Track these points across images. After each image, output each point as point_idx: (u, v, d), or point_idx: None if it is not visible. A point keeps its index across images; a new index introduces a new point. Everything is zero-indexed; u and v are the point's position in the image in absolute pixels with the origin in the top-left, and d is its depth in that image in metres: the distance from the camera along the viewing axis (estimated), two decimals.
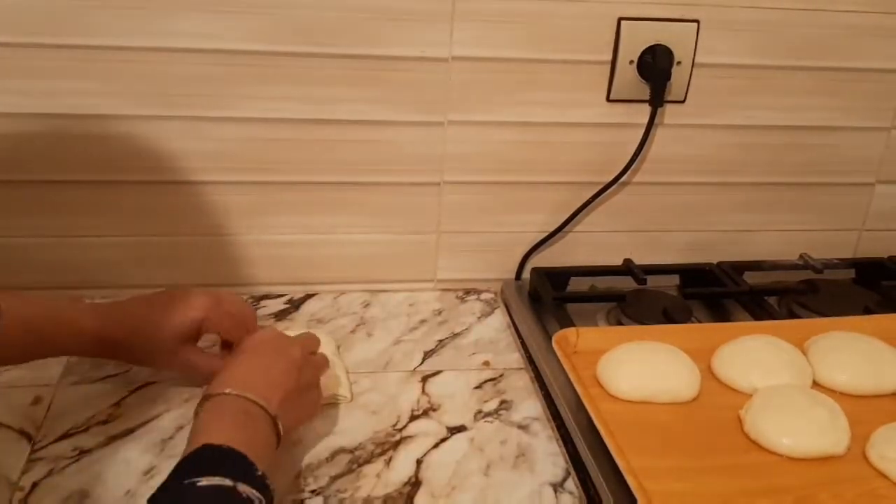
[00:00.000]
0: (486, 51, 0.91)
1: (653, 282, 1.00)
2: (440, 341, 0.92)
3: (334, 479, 0.71)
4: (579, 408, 0.77)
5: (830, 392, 0.80)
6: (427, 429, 0.78)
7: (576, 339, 0.86)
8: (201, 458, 0.57)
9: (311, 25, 0.87)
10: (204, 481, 0.54)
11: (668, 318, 0.93)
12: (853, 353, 0.84)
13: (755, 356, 0.83)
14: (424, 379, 0.85)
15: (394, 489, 0.70)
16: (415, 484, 0.71)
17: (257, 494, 0.56)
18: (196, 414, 0.64)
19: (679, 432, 0.75)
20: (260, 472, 0.57)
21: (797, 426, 0.73)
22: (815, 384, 0.82)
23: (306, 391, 0.72)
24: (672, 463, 0.70)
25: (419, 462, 0.73)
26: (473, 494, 0.70)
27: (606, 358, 0.82)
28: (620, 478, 0.67)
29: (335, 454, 0.74)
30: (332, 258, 1.00)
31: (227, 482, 0.55)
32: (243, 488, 0.55)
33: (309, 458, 0.73)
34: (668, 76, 0.94)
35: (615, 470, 0.68)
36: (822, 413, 0.74)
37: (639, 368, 0.80)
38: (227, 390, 0.64)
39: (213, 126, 0.90)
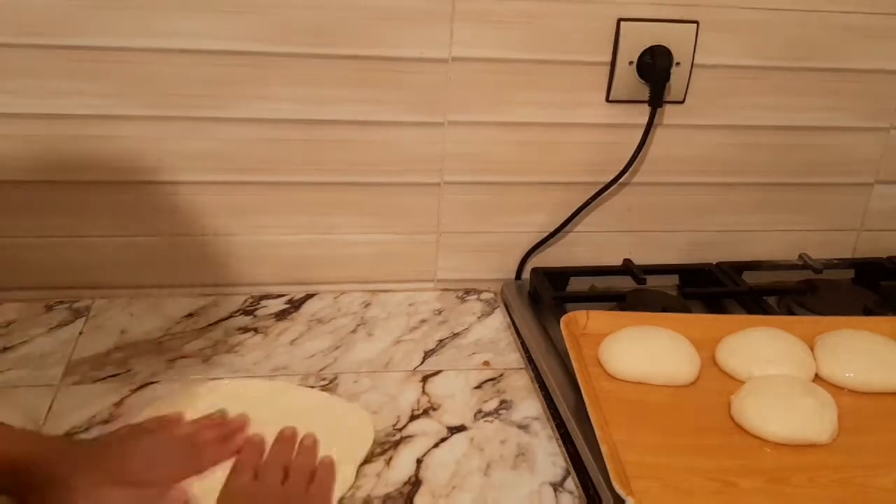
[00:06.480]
0: (486, 51, 0.91)
1: (652, 282, 1.00)
2: (440, 341, 0.92)
3: None
4: (579, 406, 0.77)
5: (834, 387, 0.80)
6: (427, 428, 0.78)
7: (585, 321, 0.87)
8: None
9: (312, 25, 0.87)
10: None
11: None
12: (860, 350, 0.84)
13: (758, 346, 0.83)
14: (424, 379, 0.85)
15: (394, 489, 0.70)
16: (415, 483, 0.71)
17: None
18: None
19: (667, 412, 0.76)
20: None
21: (781, 413, 0.74)
22: (819, 378, 0.82)
23: None
24: (653, 439, 0.72)
25: (419, 462, 0.73)
26: (473, 494, 0.70)
27: (609, 339, 0.83)
28: None
29: None
30: (332, 258, 1.00)
31: None
32: None
33: None
34: (667, 77, 0.94)
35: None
36: (809, 403, 0.75)
37: (637, 349, 0.82)
38: None
39: (212, 126, 0.90)
